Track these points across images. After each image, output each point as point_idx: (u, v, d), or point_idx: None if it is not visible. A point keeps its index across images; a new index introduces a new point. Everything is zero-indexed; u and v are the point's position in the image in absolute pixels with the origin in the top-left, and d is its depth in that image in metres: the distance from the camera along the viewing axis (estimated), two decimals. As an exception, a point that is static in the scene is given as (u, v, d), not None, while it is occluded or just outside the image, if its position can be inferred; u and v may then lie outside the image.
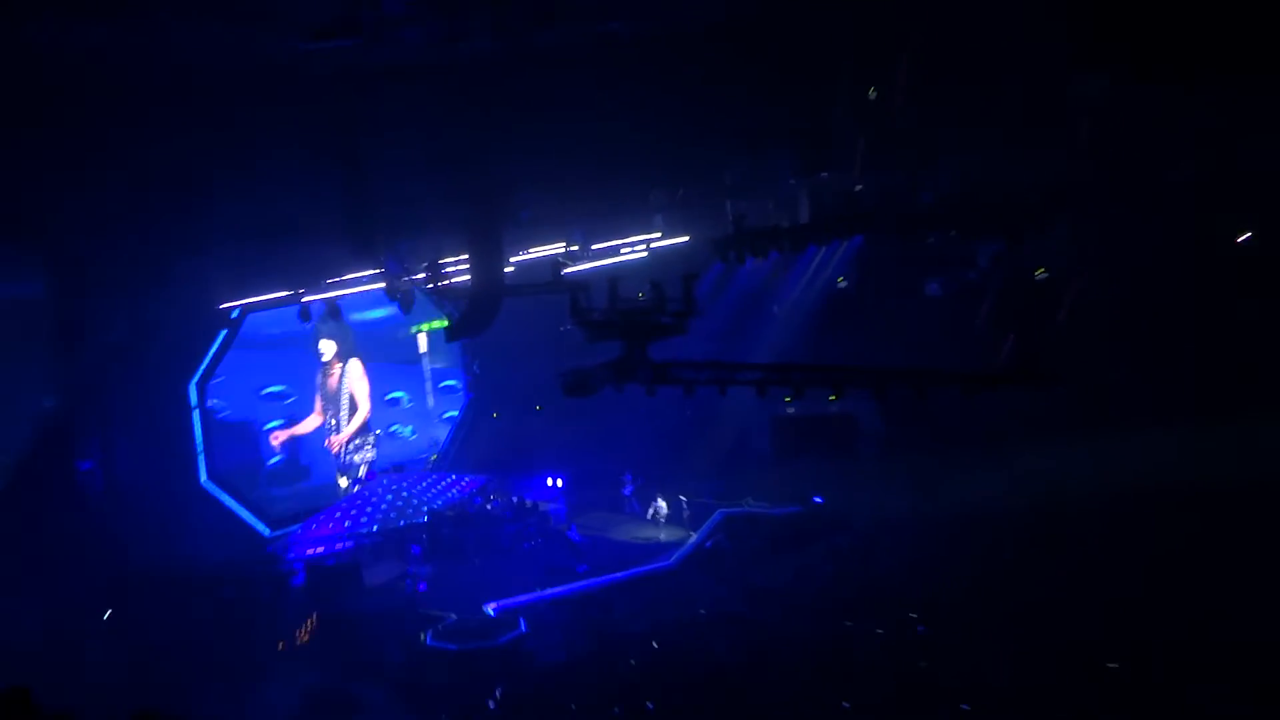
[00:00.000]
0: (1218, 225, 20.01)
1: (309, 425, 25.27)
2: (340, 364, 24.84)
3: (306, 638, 19.86)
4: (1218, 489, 18.36)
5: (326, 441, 24.95)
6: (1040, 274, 22.75)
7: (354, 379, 24.89)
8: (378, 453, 25.30)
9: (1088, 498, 19.36)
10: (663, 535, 22.31)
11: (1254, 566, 16.58)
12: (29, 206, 18.07)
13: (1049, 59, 18.62)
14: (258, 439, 26.19)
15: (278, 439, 25.25)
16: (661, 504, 22.79)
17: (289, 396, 27.12)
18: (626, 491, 24.07)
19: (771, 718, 15.07)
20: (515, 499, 23.58)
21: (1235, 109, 17.86)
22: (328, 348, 24.71)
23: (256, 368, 26.31)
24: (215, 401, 24.02)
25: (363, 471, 24.83)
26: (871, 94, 23.28)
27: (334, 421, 24.87)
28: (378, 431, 25.52)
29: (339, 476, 24.88)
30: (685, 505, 23.33)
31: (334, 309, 23.78)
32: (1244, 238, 19.95)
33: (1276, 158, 18.49)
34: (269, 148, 19.44)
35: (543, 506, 23.59)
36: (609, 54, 20.71)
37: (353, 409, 24.83)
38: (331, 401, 24.85)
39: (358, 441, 24.89)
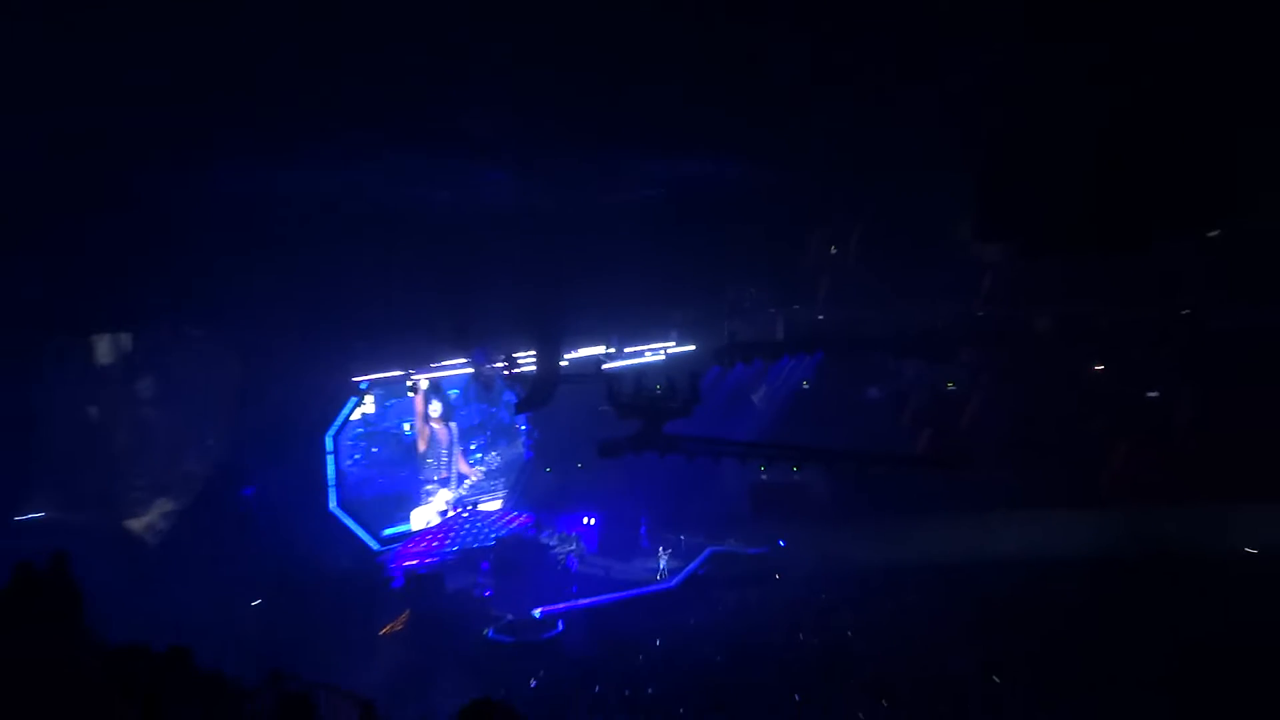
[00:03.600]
0: (1079, 360, 20.02)
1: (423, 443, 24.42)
2: (443, 423, 24.55)
3: (400, 626, 19.87)
4: (1089, 558, 18.00)
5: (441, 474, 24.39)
6: (950, 386, 22.82)
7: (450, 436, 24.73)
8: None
9: (974, 561, 18.83)
10: (657, 575, 22.03)
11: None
12: (222, 303, 18.38)
13: (959, 234, 19.04)
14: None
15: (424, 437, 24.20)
16: (662, 549, 22.48)
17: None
18: (642, 531, 23.88)
19: (739, 699, 14.95)
20: (559, 532, 23.63)
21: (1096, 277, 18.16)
22: (436, 409, 24.36)
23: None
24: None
25: (465, 488, 24.53)
26: (832, 250, 23.74)
27: (445, 459, 24.38)
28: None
29: (441, 501, 24.27)
30: (683, 542, 23.20)
31: (435, 385, 23.82)
32: (1099, 368, 20.00)
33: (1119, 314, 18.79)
34: (393, 266, 19.62)
35: (576, 539, 23.49)
36: (645, 212, 21.19)
37: (451, 454, 24.58)
38: (438, 443, 24.31)
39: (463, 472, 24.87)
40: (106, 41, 8.77)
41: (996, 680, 15.34)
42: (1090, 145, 12.57)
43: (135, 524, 19.33)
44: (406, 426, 23.78)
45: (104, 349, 19.09)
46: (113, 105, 10.48)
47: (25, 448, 17.21)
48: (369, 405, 22.75)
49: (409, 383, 23.14)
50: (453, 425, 24.52)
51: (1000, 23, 10.33)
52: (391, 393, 23.11)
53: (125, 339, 19.08)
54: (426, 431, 24.06)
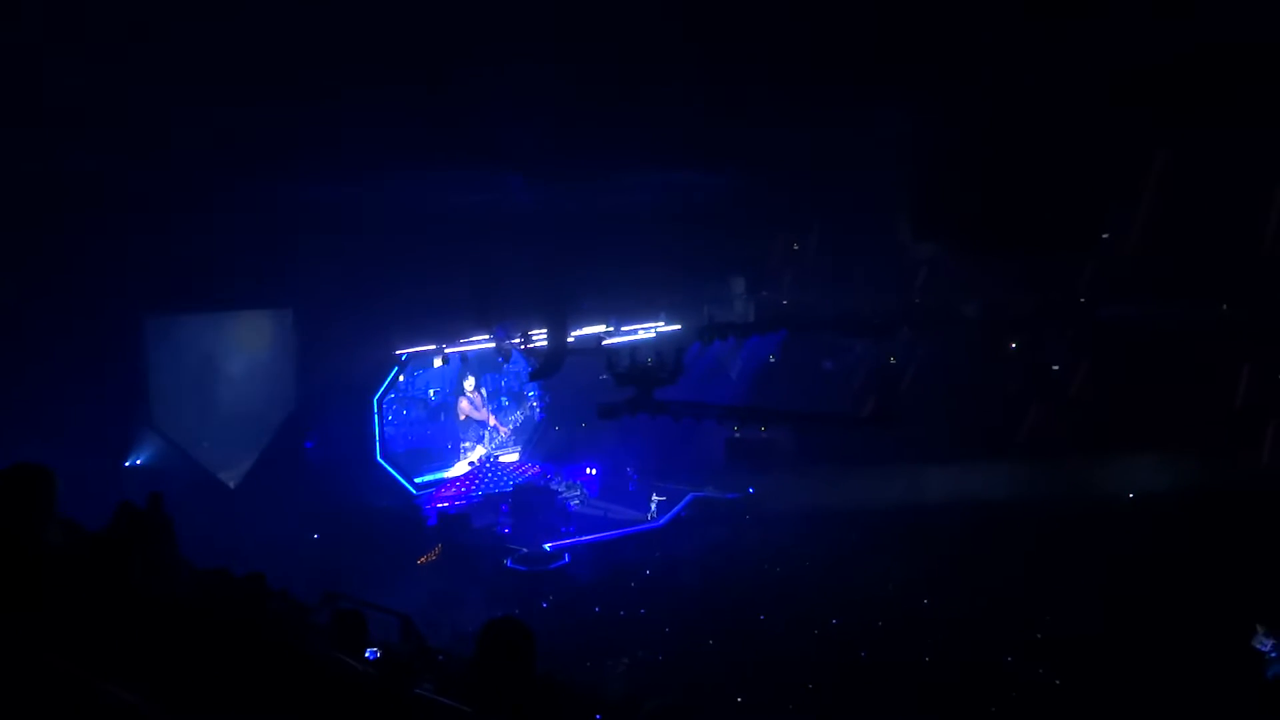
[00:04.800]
0: (998, 339, 20.04)
1: (463, 413, 24.49)
2: (476, 393, 24.56)
3: (434, 557, 19.96)
4: (996, 502, 17.88)
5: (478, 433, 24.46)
6: (892, 360, 22.84)
7: (482, 401, 24.80)
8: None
9: (909, 504, 18.63)
10: (648, 515, 21.95)
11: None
12: (288, 288, 18.43)
13: (900, 235, 19.09)
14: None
15: (464, 411, 24.32)
16: (654, 495, 22.37)
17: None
18: (632, 478, 23.75)
19: (715, 618, 15.17)
20: (566, 480, 23.71)
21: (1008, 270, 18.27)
22: (470, 382, 24.46)
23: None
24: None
25: (496, 443, 24.53)
26: (794, 247, 23.73)
27: (482, 423, 24.52)
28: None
29: (476, 455, 24.29)
30: (670, 489, 22.89)
31: (464, 358, 23.76)
32: (1013, 345, 20.02)
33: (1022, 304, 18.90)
34: (430, 257, 19.59)
35: (579, 486, 23.52)
36: (639, 213, 21.16)
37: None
38: (474, 408, 24.47)
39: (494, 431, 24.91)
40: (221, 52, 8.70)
41: (925, 601, 15.62)
42: (1006, 168, 12.74)
43: (218, 470, 19.45)
44: (431, 393, 23.80)
45: (195, 326, 19.22)
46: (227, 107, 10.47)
47: (131, 409, 17.32)
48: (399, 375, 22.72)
49: (442, 355, 23.01)
50: (483, 390, 24.62)
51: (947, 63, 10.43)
52: (419, 364, 23.11)
53: (213, 318, 19.21)
54: (464, 402, 24.18)
